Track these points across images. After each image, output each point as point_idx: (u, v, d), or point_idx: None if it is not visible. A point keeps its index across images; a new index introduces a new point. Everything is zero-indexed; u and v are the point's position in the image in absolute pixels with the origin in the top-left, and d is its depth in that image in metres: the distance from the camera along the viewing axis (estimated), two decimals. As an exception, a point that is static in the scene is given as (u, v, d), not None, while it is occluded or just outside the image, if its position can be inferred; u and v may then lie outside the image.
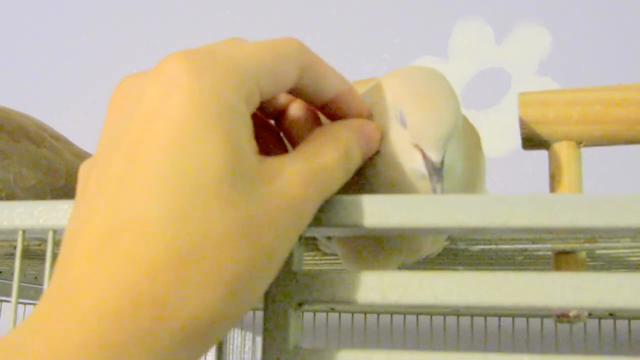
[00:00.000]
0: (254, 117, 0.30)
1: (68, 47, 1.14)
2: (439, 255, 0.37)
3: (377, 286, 0.26)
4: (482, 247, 0.34)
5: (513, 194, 0.25)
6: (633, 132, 0.34)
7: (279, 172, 0.24)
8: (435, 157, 0.28)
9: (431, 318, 0.73)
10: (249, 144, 0.24)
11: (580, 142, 0.35)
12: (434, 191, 0.28)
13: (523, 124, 0.35)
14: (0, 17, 1.18)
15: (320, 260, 0.45)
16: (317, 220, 0.26)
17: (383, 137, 0.30)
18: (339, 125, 0.28)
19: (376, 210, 0.26)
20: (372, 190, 0.30)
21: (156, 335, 0.20)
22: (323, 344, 0.79)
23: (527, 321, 0.70)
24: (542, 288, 0.24)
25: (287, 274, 0.26)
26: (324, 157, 0.26)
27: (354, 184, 0.30)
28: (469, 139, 0.33)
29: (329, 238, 0.34)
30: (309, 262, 0.47)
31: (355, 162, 0.28)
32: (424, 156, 0.28)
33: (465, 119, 0.34)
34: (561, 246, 0.33)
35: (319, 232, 0.28)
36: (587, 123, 0.34)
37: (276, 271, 0.24)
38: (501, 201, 0.25)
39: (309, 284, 0.26)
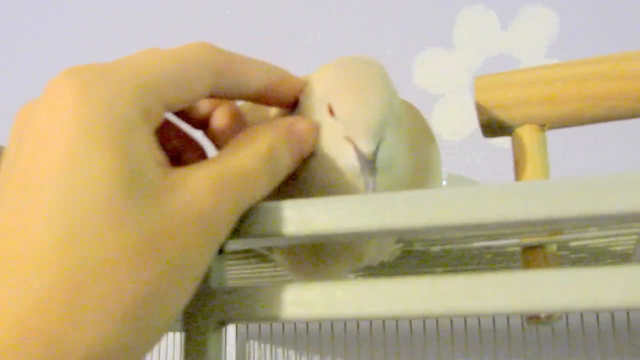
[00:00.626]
0: (171, 128, 0.28)
1: (67, 47, 1.14)
2: (399, 259, 0.34)
3: (298, 300, 0.23)
4: (441, 247, 0.32)
5: (454, 188, 0.23)
6: (600, 108, 0.30)
7: (183, 181, 0.22)
8: (365, 147, 0.26)
9: (411, 323, 0.70)
10: (147, 157, 0.22)
11: (543, 125, 0.32)
12: (366, 186, 0.25)
13: (480, 110, 0.32)
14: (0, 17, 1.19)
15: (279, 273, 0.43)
16: (235, 231, 0.24)
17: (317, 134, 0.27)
18: (262, 126, 0.26)
19: (295, 217, 0.24)
20: (309, 194, 0.27)
21: None
22: (305, 354, 0.77)
23: (507, 320, 0.67)
24: (477, 292, 0.21)
25: (206, 291, 0.24)
26: (240, 161, 0.24)
27: (289, 188, 0.28)
28: (415, 129, 0.30)
29: (270, 249, 0.32)
30: (264, 275, 0.45)
31: (284, 164, 0.26)
32: (356, 148, 0.26)
33: (411, 108, 0.32)
34: (526, 241, 0.30)
35: (240, 244, 0.26)
36: (549, 103, 0.31)
37: (191, 288, 0.22)
38: (435, 197, 0.22)
39: (229, 301, 0.24)
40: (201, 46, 0.25)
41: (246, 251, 0.35)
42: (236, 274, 0.42)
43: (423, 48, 1.06)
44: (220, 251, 0.25)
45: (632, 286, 0.20)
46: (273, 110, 0.30)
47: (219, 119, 0.28)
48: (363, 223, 0.23)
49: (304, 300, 0.23)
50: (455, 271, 0.43)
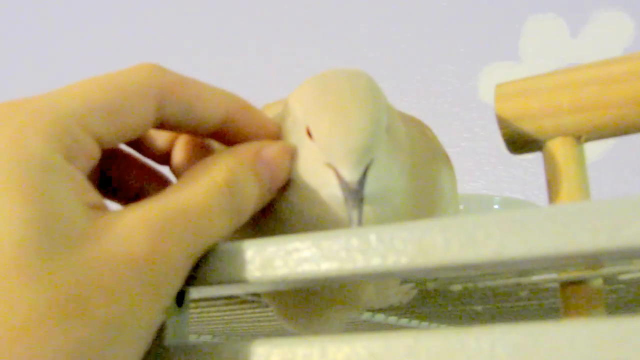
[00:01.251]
0: (132, 162, 0.25)
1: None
2: (420, 300, 0.30)
3: (258, 357, 0.19)
4: (462, 285, 0.27)
5: (454, 217, 0.18)
6: (646, 113, 0.25)
7: (114, 224, 0.19)
8: (348, 175, 0.22)
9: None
10: (67, 199, 0.18)
11: (579, 137, 0.27)
12: (351, 220, 0.21)
13: (502, 122, 0.27)
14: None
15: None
16: (191, 278, 0.21)
17: (294, 160, 0.23)
18: (220, 154, 0.22)
19: (256, 260, 0.20)
20: (290, 229, 0.23)
21: None
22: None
23: None
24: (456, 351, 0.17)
25: (158, 348, 0.21)
26: (189, 196, 0.20)
27: (269, 222, 0.24)
28: (419, 149, 0.25)
29: (255, 294, 0.28)
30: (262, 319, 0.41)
31: (249, 196, 0.22)
32: (338, 176, 0.22)
33: (416, 125, 0.27)
34: (563, 276, 0.25)
35: (199, 293, 0.22)
36: (583, 110, 0.26)
37: (137, 347, 0.19)
38: (416, 229, 0.18)
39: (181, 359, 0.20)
40: (144, 69, 0.21)
41: (230, 297, 0.32)
42: (228, 318, 0.39)
43: (487, 62, 1.01)
44: (181, 302, 0.22)
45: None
46: None
47: (180, 151, 0.24)
48: (332, 266, 0.19)
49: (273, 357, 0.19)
50: (484, 310, 0.38)
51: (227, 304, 0.33)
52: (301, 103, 0.23)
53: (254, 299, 0.31)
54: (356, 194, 0.21)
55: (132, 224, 0.19)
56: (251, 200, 0.22)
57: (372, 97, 0.23)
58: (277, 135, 0.24)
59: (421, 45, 1.01)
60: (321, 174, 0.22)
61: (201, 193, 0.20)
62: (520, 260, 0.17)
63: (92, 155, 0.20)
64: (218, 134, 0.24)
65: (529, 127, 0.27)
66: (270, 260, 0.20)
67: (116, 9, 1.16)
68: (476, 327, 0.17)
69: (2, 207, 0.17)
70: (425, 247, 0.18)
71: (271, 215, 0.24)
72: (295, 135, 0.23)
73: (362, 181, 0.22)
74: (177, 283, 0.20)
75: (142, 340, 0.19)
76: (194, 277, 0.21)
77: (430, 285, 0.26)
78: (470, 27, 1.00)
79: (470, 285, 0.26)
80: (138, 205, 0.20)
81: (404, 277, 0.22)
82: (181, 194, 0.20)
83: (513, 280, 0.25)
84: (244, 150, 0.22)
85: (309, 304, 0.26)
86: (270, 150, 0.23)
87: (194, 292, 0.22)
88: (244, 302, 0.32)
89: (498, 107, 0.27)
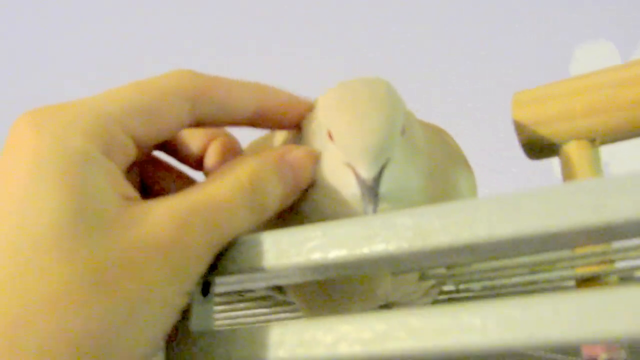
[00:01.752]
0: (160, 167, 0.27)
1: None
2: (441, 301, 0.30)
3: (277, 342, 0.21)
4: (479, 284, 0.28)
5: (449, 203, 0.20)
6: (657, 115, 0.26)
7: (145, 214, 0.21)
8: (365, 172, 0.23)
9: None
10: (104, 190, 0.21)
11: (594, 140, 0.27)
12: (366, 214, 0.23)
13: (519, 128, 0.28)
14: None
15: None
16: (215, 269, 0.22)
17: (318, 162, 0.25)
18: (249, 155, 0.24)
19: (273, 249, 0.21)
20: (312, 227, 0.25)
21: None
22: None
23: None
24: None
25: (184, 334, 0.22)
26: (214, 191, 0.22)
27: (292, 222, 0.26)
28: (438, 153, 0.27)
29: (279, 290, 0.30)
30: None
31: (273, 195, 0.24)
32: (356, 174, 0.23)
33: (436, 131, 0.28)
34: (579, 273, 0.26)
35: (225, 285, 0.24)
36: (597, 113, 0.27)
37: (157, 330, 0.21)
38: (422, 214, 0.19)
39: (206, 344, 0.22)
40: (177, 73, 0.24)
41: (261, 296, 0.33)
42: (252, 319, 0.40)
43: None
44: (206, 292, 0.23)
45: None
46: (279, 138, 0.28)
47: (213, 155, 0.26)
48: (340, 253, 0.20)
49: (284, 341, 0.20)
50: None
51: (251, 304, 0.35)
52: (324, 108, 0.25)
53: (279, 298, 0.32)
54: (372, 190, 0.23)
55: (162, 214, 0.21)
56: (273, 198, 0.24)
57: (388, 101, 0.24)
58: (308, 112, 0.26)
59: (469, 70, 1.02)
60: (342, 174, 0.24)
61: (225, 189, 0.22)
62: (512, 240, 0.18)
63: (129, 152, 0.22)
64: (254, 123, 0.26)
65: (544, 131, 0.28)
66: (285, 249, 0.21)
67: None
68: (469, 304, 0.18)
69: (45, 193, 0.20)
70: (424, 231, 0.19)
71: (296, 214, 0.25)
72: (318, 138, 0.25)
73: (378, 179, 0.23)
74: (199, 269, 0.21)
75: (164, 318, 0.21)
76: (217, 268, 0.22)
77: (448, 282, 0.27)
78: (521, 52, 1.01)
79: (488, 284, 0.27)
80: (168, 198, 0.22)
81: (409, 264, 0.23)
82: (206, 189, 0.22)
83: (528, 278, 0.26)
84: (269, 153, 0.24)
85: (329, 298, 0.27)
86: (295, 154, 0.25)
87: (219, 285, 0.24)
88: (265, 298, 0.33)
89: (515, 114, 0.29)
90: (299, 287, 0.28)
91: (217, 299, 0.34)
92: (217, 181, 0.23)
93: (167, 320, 0.21)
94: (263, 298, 0.33)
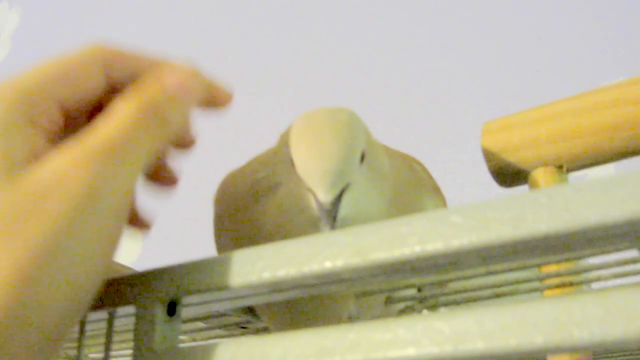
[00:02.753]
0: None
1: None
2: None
3: (230, 357, 0.21)
4: (451, 306, 0.28)
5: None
6: (619, 140, 0.26)
7: (49, 160, 0.22)
8: (322, 195, 0.24)
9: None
10: (21, 152, 0.22)
11: (561, 166, 0.28)
12: (323, 238, 0.23)
13: (488, 155, 0.29)
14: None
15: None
16: (182, 288, 0.23)
17: (282, 188, 0.26)
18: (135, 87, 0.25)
19: (230, 268, 0.22)
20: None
21: None
22: None
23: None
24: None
25: (147, 351, 0.23)
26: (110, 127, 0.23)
27: (251, 240, 0.27)
28: (404, 181, 0.27)
29: (251, 312, 0.30)
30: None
31: (173, 121, 0.24)
32: (315, 198, 0.24)
33: (402, 158, 0.29)
34: (546, 292, 0.26)
35: (193, 309, 0.24)
36: (561, 140, 0.27)
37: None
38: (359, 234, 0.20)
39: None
40: (91, 44, 0.26)
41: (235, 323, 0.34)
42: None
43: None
44: (172, 312, 0.24)
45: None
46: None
47: None
48: (290, 271, 0.21)
49: (250, 356, 0.21)
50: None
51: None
52: (290, 137, 0.26)
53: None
54: (329, 213, 0.24)
55: (61, 157, 0.22)
56: (175, 123, 0.24)
57: (347, 129, 0.25)
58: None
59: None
60: (303, 198, 0.25)
61: (120, 122, 0.23)
62: (443, 254, 0.19)
63: (55, 118, 0.24)
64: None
65: (512, 158, 0.28)
66: (239, 269, 0.22)
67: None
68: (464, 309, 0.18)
69: None
70: (361, 248, 0.20)
71: (258, 233, 0.26)
72: (285, 166, 0.26)
73: (336, 203, 0.24)
74: (115, 203, 0.22)
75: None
76: (184, 288, 0.23)
77: (419, 307, 0.27)
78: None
79: (455, 305, 0.27)
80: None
81: (356, 283, 0.24)
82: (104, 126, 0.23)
83: (494, 298, 0.26)
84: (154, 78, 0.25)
85: (294, 319, 0.28)
86: (178, 73, 0.25)
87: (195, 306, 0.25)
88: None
89: (484, 142, 0.29)
90: (268, 310, 0.28)
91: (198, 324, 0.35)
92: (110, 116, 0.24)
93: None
94: (237, 324, 0.34)
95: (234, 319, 0.33)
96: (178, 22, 1.21)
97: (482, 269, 0.25)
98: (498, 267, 0.26)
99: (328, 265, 0.20)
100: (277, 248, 0.22)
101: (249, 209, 0.28)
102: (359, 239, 0.20)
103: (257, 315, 0.31)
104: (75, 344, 0.28)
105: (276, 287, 0.22)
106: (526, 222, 0.18)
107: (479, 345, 0.17)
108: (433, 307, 0.28)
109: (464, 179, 0.91)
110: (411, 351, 0.18)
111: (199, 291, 0.23)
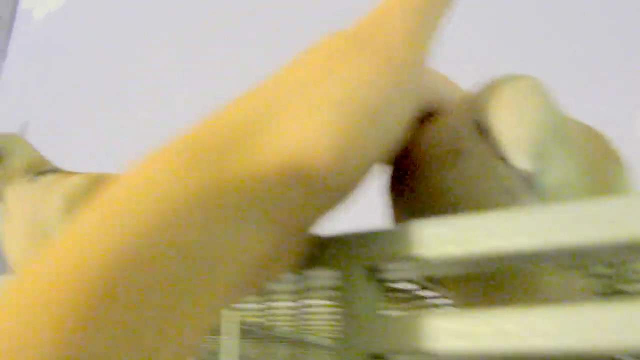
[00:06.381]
0: None
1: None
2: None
3: (460, 331, 0.21)
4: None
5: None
6: None
7: None
8: (521, 162, 0.23)
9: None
10: None
11: None
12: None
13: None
14: None
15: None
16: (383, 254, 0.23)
17: (463, 155, 0.25)
18: None
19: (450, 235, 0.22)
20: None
21: None
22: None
23: None
24: None
25: (353, 320, 0.23)
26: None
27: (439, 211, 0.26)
28: (592, 149, 0.27)
29: (431, 281, 0.30)
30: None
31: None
32: (512, 167, 0.23)
33: (588, 128, 0.28)
34: None
35: (395, 273, 0.24)
36: None
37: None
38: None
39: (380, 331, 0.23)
40: None
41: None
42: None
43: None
44: (377, 279, 0.24)
45: None
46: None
47: None
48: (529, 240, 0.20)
49: (467, 331, 0.21)
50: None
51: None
52: (483, 102, 0.25)
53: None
54: (528, 182, 0.23)
55: None
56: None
57: (545, 97, 0.24)
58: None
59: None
60: (496, 167, 0.24)
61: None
62: None
63: None
64: None
65: None
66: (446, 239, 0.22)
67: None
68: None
69: None
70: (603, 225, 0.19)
71: (447, 204, 0.26)
72: (470, 132, 0.25)
73: (535, 172, 0.23)
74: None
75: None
76: (386, 254, 0.23)
77: (620, 284, 0.26)
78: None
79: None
80: None
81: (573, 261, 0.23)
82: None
83: None
84: None
85: (487, 295, 0.27)
86: None
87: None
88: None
89: None
90: (457, 283, 0.28)
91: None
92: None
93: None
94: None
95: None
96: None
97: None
98: None
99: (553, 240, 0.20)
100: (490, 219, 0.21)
101: (429, 173, 0.27)
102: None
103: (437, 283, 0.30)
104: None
105: (481, 261, 0.22)
106: None
107: None
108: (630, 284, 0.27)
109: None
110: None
111: (402, 258, 0.23)
